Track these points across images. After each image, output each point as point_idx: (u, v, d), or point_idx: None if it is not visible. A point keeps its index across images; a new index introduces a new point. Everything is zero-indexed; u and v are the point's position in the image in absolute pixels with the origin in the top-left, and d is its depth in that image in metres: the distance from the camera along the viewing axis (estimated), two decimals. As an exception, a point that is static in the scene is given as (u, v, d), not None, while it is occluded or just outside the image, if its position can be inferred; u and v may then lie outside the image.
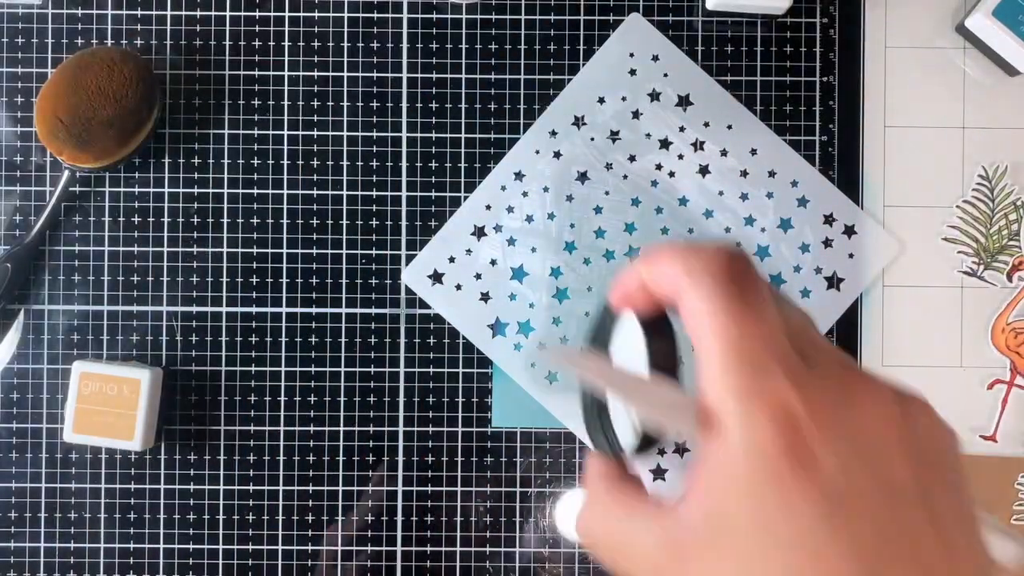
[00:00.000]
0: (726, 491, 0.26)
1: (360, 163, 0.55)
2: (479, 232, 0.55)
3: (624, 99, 0.55)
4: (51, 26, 0.55)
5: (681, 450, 0.55)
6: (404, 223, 0.55)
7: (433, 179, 0.55)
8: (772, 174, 0.55)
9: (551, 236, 0.55)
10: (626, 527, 0.30)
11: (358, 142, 0.55)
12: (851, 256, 0.55)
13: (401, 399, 0.55)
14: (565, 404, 0.55)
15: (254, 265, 0.55)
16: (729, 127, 0.55)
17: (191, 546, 0.55)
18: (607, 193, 0.55)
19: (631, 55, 0.55)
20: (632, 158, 0.55)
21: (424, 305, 0.55)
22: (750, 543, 0.25)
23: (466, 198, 0.55)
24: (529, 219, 0.55)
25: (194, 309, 0.55)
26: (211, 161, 0.55)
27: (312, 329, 0.55)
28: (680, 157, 0.55)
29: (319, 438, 0.55)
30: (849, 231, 0.55)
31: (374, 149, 0.55)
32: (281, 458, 0.55)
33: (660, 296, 0.30)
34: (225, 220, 0.55)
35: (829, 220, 0.55)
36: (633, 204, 0.55)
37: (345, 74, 0.54)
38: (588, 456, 0.35)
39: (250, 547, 0.55)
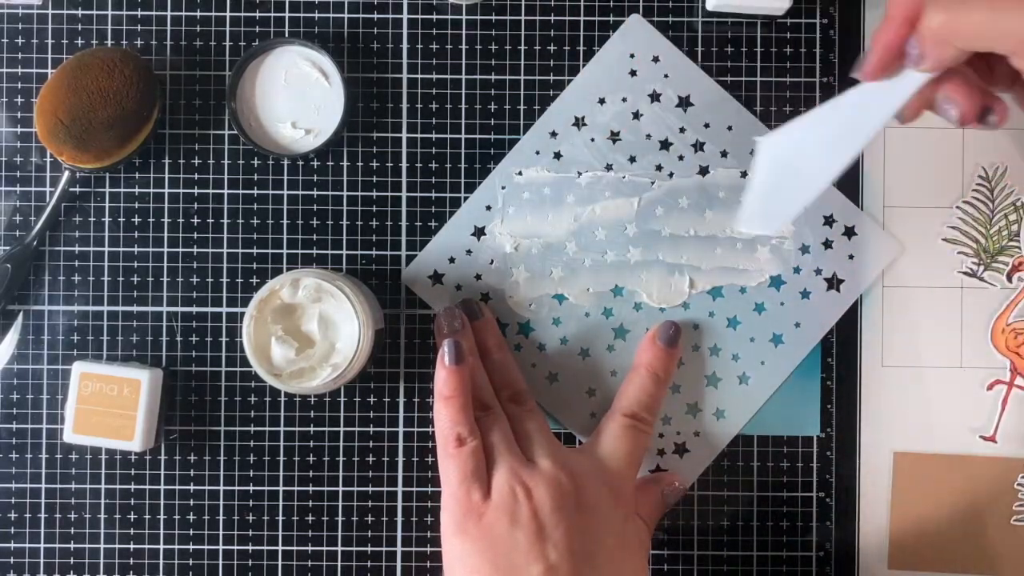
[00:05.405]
0: None
1: (360, 163, 0.55)
2: (479, 232, 0.55)
3: (624, 100, 0.55)
4: (51, 26, 0.55)
5: (681, 451, 0.55)
6: (404, 223, 0.55)
7: (433, 179, 0.55)
8: (772, 175, 0.55)
9: (551, 237, 0.55)
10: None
11: (358, 142, 0.55)
12: (851, 257, 0.55)
13: (401, 399, 0.55)
14: (565, 403, 0.55)
15: (253, 265, 0.55)
16: (729, 128, 0.55)
17: (191, 546, 0.55)
18: (607, 194, 0.55)
19: (631, 56, 0.55)
20: (632, 159, 0.55)
21: (424, 305, 0.55)
22: None
23: (466, 198, 0.55)
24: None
25: (194, 309, 0.55)
26: (211, 161, 0.55)
27: (312, 329, 0.55)
28: (680, 158, 0.55)
29: (319, 438, 0.55)
30: (849, 232, 0.55)
31: (374, 149, 0.55)
32: (281, 458, 0.55)
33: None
34: (225, 220, 0.55)
35: (829, 221, 0.55)
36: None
37: (345, 74, 0.54)
38: None
39: (250, 547, 0.55)
